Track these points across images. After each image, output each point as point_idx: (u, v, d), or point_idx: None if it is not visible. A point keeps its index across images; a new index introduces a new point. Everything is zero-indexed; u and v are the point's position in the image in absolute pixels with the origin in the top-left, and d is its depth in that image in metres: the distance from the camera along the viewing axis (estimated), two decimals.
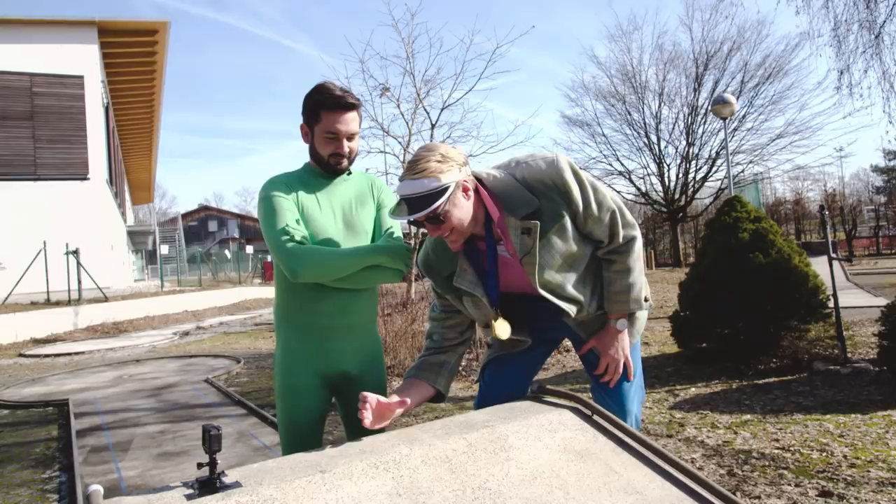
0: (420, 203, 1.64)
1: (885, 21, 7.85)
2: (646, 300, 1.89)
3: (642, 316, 1.95)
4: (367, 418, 1.60)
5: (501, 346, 2.03)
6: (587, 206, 1.75)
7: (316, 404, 1.95)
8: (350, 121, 1.88)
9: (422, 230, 1.87)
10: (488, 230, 1.78)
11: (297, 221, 1.84)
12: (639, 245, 1.85)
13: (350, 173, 2.02)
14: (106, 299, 15.22)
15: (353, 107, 1.88)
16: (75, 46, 16.93)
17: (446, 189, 1.64)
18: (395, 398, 1.72)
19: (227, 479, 1.29)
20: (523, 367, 2.06)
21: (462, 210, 1.70)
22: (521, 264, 1.77)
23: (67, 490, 3.53)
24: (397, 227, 2.05)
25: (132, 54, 19.26)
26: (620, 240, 1.81)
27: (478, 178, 1.77)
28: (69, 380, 7.36)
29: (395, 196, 2.06)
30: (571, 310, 1.82)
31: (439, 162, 1.66)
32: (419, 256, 1.97)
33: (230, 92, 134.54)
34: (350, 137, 1.91)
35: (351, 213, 1.97)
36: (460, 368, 6.10)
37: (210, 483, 1.27)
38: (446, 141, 8.63)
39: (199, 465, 1.29)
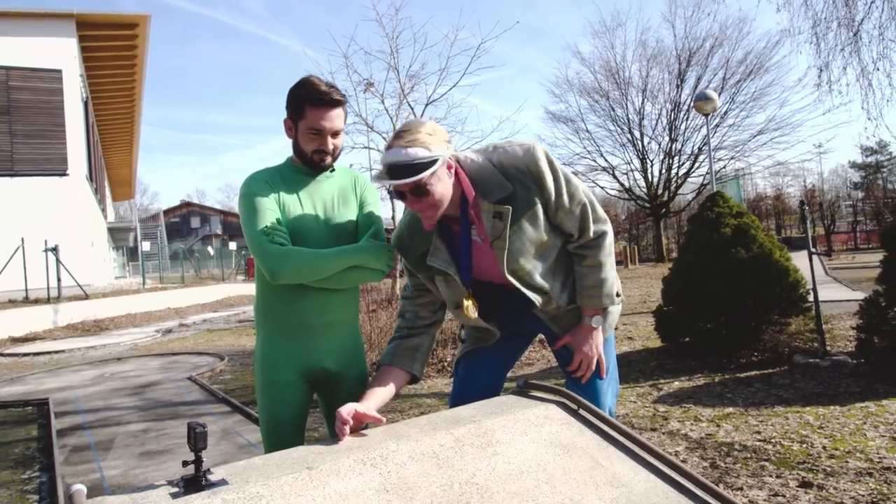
0: (406, 171, 1.65)
1: (863, 19, 7.97)
2: (617, 295, 1.91)
3: (615, 311, 1.97)
4: (345, 436, 1.54)
5: (475, 339, 2.05)
6: (559, 196, 1.78)
7: (297, 400, 1.93)
8: (335, 117, 1.85)
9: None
10: (464, 212, 1.80)
11: (278, 220, 1.82)
12: (609, 240, 1.86)
13: (333, 170, 1.99)
14: (86, 297, 15.01)
15: (338, 103, 1.85)
16: (53, 39, 16.63)
17: (434, 161, 1.66)
18: (371, 405, 1.69)
19: (212, 477, 1.28)
20: (498, 361, 2.08)
21: (444, 186, 1.72)
22: (492, 248, 1.78)
23: (48, 490, 3.48)
24: (380, 225, 2.03)
25: (112, 48, 18.94)
26: (591, 234, 1.83)
27: (456, 160, 1.79)
28: (49, 379, 7.26)
29: (374, 193, 2.07)
30: (537, 300, 1.84)
31: (430, 135, 1.68)
32: (394, 234, 1.97)
33: (213, 86, 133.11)
34: (334, 134, 1.88)
35: (333, 210, 1.95)
36: (446, 364, 6.11)
37: (196, 481, 1.26)
38: None
39: (185, 463, 1.28)
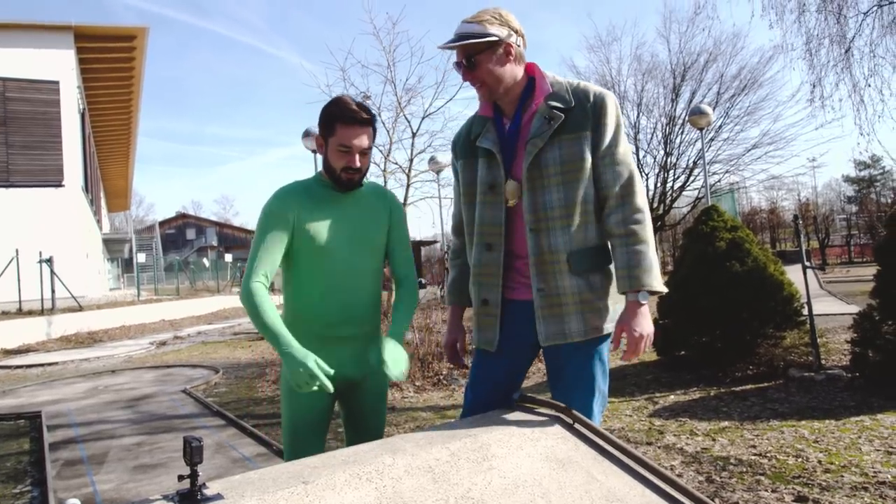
0: (460, 41, 1.84)
1: (854, 36, 8.09)
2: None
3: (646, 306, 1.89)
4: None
5: (482, 344, 2.01)
6: (611, 145, 1.85)
7: (319, 407, 1.97)
8: (364, 136, 1.90)
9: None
10: (519, 107, 1.93)
11: (276, 246, 1.88)
12: (649, 219, 1.86)
13: (362, 186, 2.02)
14: (80, 308, 14.94)
15: (368, 122, 1.91)
16: (51, 51, 16.70)
17: (487, 36, 1.82)
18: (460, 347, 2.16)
19: (208, 492, 1.28)
20: (508, 374, 2.04)
21: (497, 66, 1.86)
22: (525, 146, 1.87)
23: None
24: (409, 255, 2.09)
25: (109, 60, 19.03)
26: (636, 203, 1.81)
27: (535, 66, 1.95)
28: (42, 391, 7.21)
29: (402, 211, 2.16)
30: (528, 221, 1.86)
31: (494, 17, 1.85)
32: (458, 131, 2.13)
33: (211, 98, 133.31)
34: (363, 152, 1.92)
35: (360, 228, 1.98)
36: (441, 377, 6.10)
37: (191, 496, 1.26)
38: (427, 150, 8.67)
39: (180, 478, 1.28)
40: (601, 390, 1.92)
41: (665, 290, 1.83)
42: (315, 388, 1.69)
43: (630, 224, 1.80)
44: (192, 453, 1.27)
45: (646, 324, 1.79)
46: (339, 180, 1.93)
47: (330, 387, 1.69)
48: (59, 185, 16.62)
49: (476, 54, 1.84)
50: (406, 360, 1.88)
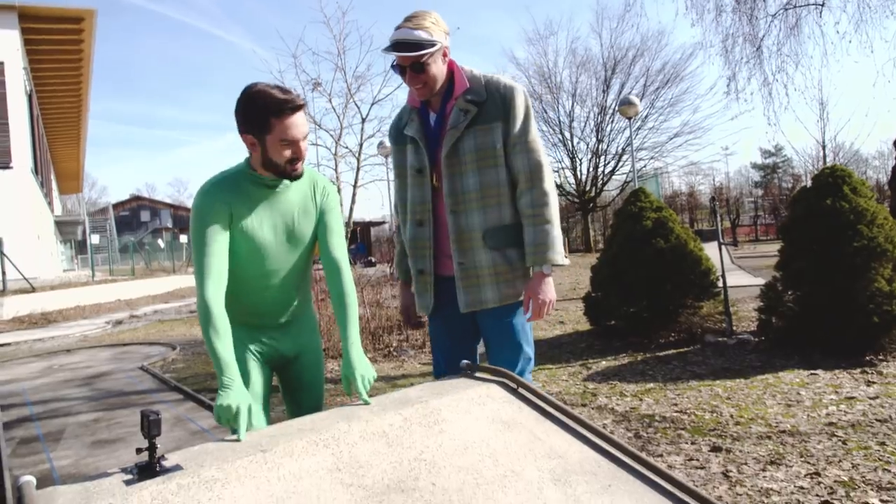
0: (410, 48, 1.86)
1: (763, 35, 8.39)
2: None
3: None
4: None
5: (421, 309, 2.13)
6: (521, 133, 1.95)
7: (255, 379, 1.85)
8: (302, 123, 1.68)
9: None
10: (444, 101, 2.00)
11: (222, 247, 1.66)
12: (555, 201, 1.98)
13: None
14: (33, 290, 14.10)
15: (301, 107, 1.68)
16: None
17: (434, 45, 1.88)
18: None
19: (167, 463, 1.23)
20: (453, 340, 2.13)
21: (438, 69, 1.93)
22: (445, 135, 1.96)
23: None
24: (337, 246, 1.85)
25: (57, 42, 17.76)
26: (543, 187, 1.93)
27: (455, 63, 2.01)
28: None
29: (334, 196, 1.96)
30: (448, 204, 1.97)
31: (433, 24, 1.90)
32: (391, 124, 2.18)
33: (164, 82, 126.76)
34: (304, 137, 1.71)
35: (293, 223, 1.81)
36: (391, 349, 6.09)
37: (150, 467, 1.20)
38: (376, 134, 8.52)
39: (139, 451, 1.22)
40: (524, 349, 2.04)
41: (566, 262, 1.99)
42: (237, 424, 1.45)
43: (537, 206, 1.94)
44: (150, 426, 1.21)
45: (549, 291, 1.95)
46: (285, 173, 1.72)
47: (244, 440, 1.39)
48: (6, 167, 15.53)
49: (423, 59, 1.88)
50: (373, 373, 1.72)
